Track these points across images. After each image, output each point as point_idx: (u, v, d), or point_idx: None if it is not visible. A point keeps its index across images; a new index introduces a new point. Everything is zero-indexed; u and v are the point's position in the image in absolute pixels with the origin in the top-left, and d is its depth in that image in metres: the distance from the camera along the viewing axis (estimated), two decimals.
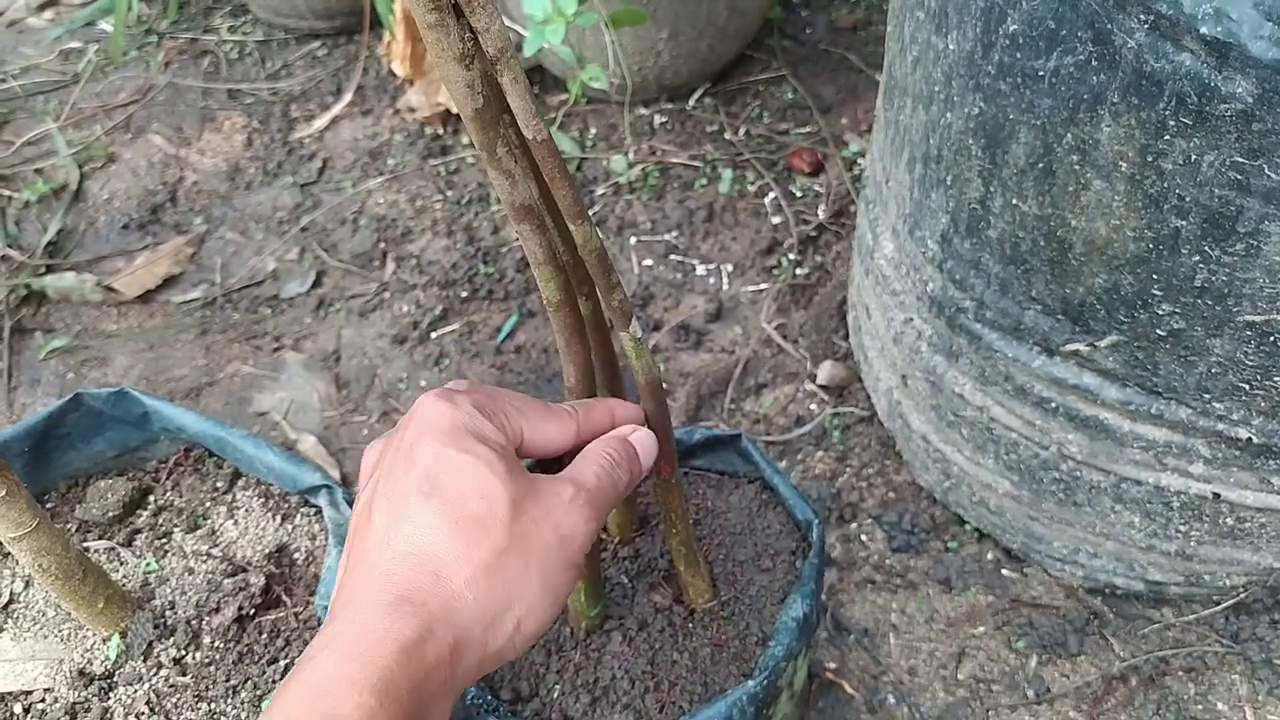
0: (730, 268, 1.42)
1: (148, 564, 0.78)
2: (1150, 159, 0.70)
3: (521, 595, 0.48)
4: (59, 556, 0.67)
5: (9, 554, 0.80)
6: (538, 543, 0.49)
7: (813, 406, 1.25)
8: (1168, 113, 0.67)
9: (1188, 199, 0.70)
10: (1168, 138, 0.68)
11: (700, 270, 1.43)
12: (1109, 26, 0.67)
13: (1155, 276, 0.75)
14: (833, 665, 1.03)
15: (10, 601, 0.77)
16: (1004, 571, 1.09)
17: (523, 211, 0.54)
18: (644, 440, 0.60)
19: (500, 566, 0.47)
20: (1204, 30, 0.62)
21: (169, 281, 1.50)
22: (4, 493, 0.64)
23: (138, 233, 1.57)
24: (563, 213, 0.54)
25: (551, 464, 0.59)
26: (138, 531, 0.80)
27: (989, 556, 1.10)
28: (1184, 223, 0.71)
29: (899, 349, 1.07)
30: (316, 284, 1.47)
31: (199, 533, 0.80)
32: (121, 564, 0.78)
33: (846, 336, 1.30)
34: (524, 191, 0.53)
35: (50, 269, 1.52)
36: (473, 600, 0.46)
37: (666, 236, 1.47)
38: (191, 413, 0.82)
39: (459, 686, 0.46)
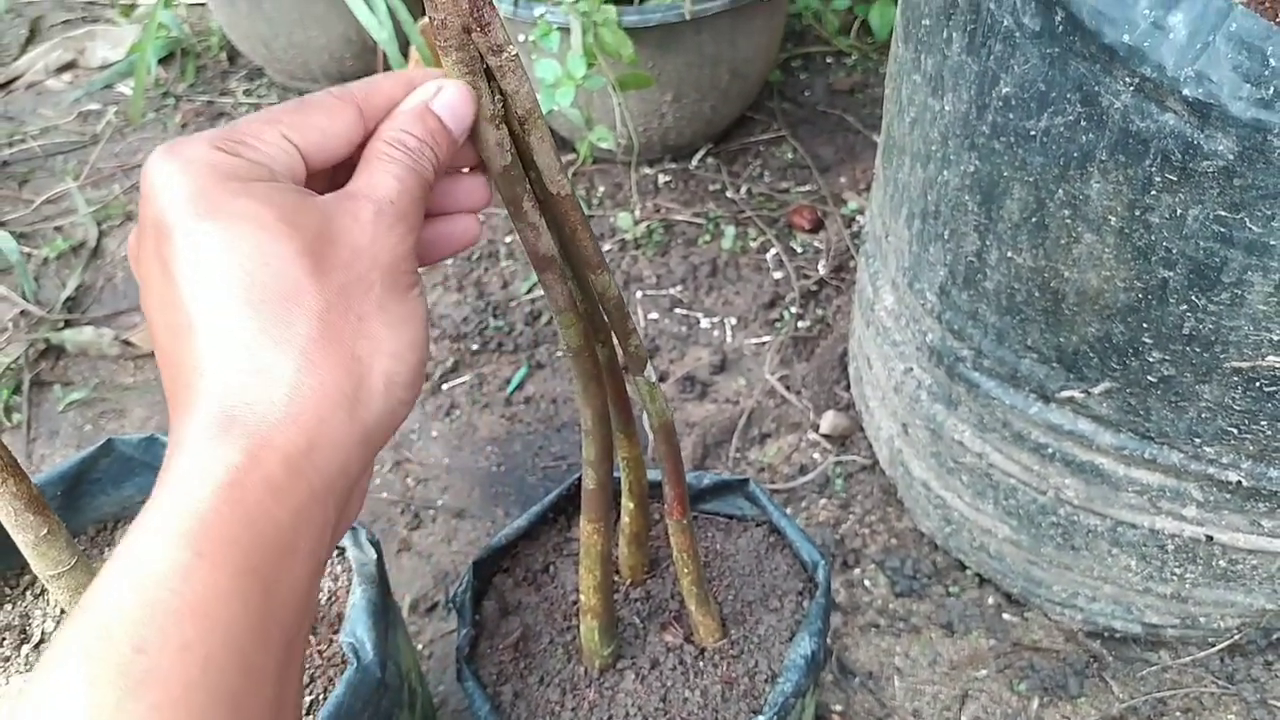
0: (734, 321, 1.46)
1: None
2: (1138, 213, 0.73)
3: (375, 350, 0.40)
4: None
5: (41, 594, 0.82)
6: (359, 287, 0.40)
7: (816, 455, 1.28)
8: (1153, 169, 0.70)
9: (1174, 251, 0.73)
10: (1154, 193, 0.71)
11: (705, 323, 1.46)
12: (1096, 89, 0.71)
13: (1145, 325, 0.79)
14: (839, 708, 1.05)
15: (42, 640, 0.80)
16: (1005, 615, 1.11)
17: (545, 261, 0.56)
18: (451, 99, 0.45)
19: (331, 333, 0.38)
20: (1186, 92, 0.66)
21: None
22: (45, 531, 0.66)
23: None
24: (584, 263, 0.58)
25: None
26: None
27: (990, 601, 1.12)
28: (1171, 273, 0.75)
29: (899, 398, 1.10)
30: None
31: None
32: None
33: (848, 387, 1.33)
34: (547, 243, 0.56)
35: (69, 324, 1.55)
36: (318, 385, 0.38)
37: (671, 290, 1.51)
38: None
39: (340, 483, 0.39)
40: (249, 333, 0.37)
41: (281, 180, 0.40)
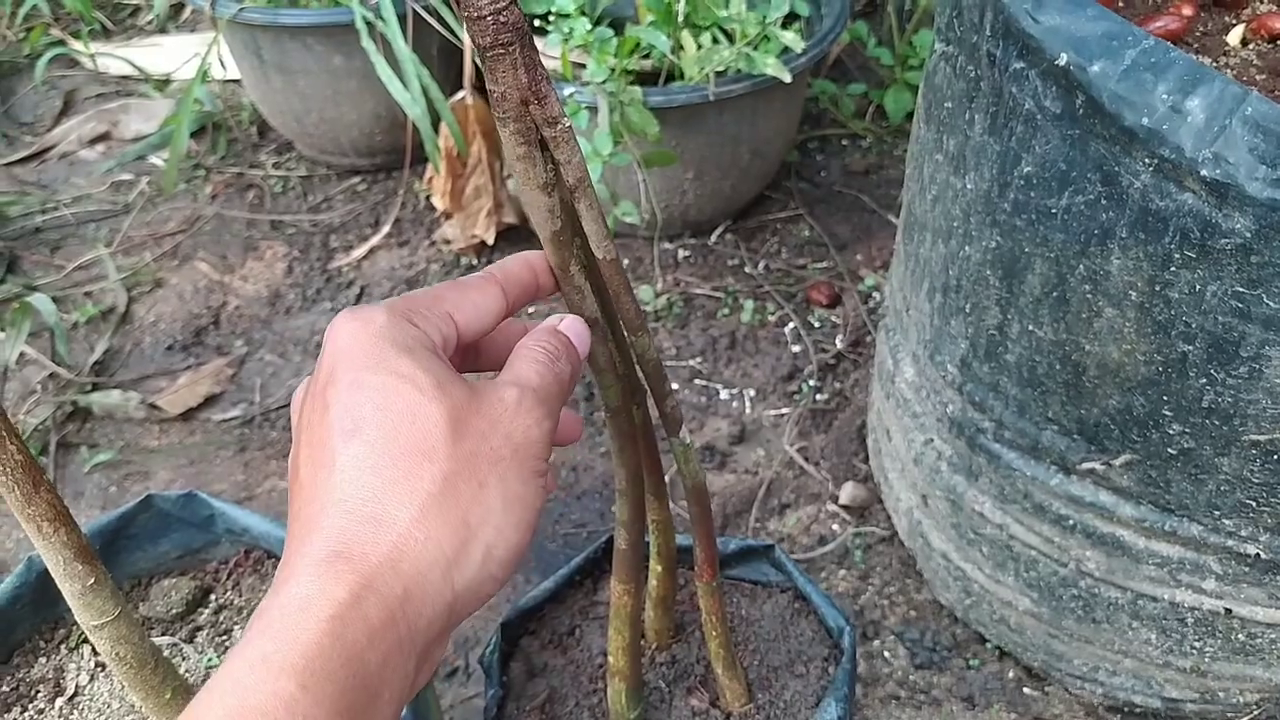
0: (753, 393, 1.48)
1: (209, 659, 0.81)
2: (1158, 289, 0.76)
3: (484, 519, 0.42)
4: (135, 646, 0.71)
5: (75, 647, 0.83)
6: (489, 458, 0.43)
7: (835, 526, 1.29)
8: (1172, 246, 0.73)
9: (1194, 326, 0.75)
10: (1173, 269, 0.74)
11: (724, 395, 1.48)
12: (1116, 169, 0.73)
13: (1165, 398, 0.81)
14: None
15: (76, 694, 0.80)
16: (1025, 690, 1.11)
17: (589, 323, 0.58)
18: (574, 326, 0.54)
19: (450, 494, 0.41)
20: (1204, 172, 0.69)
21: (210, 400, 1.56)
22: (92, 581, 0.68)
23: (181, 354, 1.64)
24: (625, 325, 0.60)
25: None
26: (199, 628, 0.84)
27: (1010, 675, 1.13)
28: (1191, 348, 0.77)
29: (919, 469, 1.11)
30: None
31: None
32: (184, 659, 0.82)
33: (866, 459, 1.35)
34: (591, 305, 0.58)
35: (96, 387, 1.58)
36: (424, 539, 0.40)
37: (691, 362, 1.53)
38: (256, 514, 0.86)
39: (424, 640, 0.40)
40: (381, 480, 0.40)
41: (439, 351, 0.46)
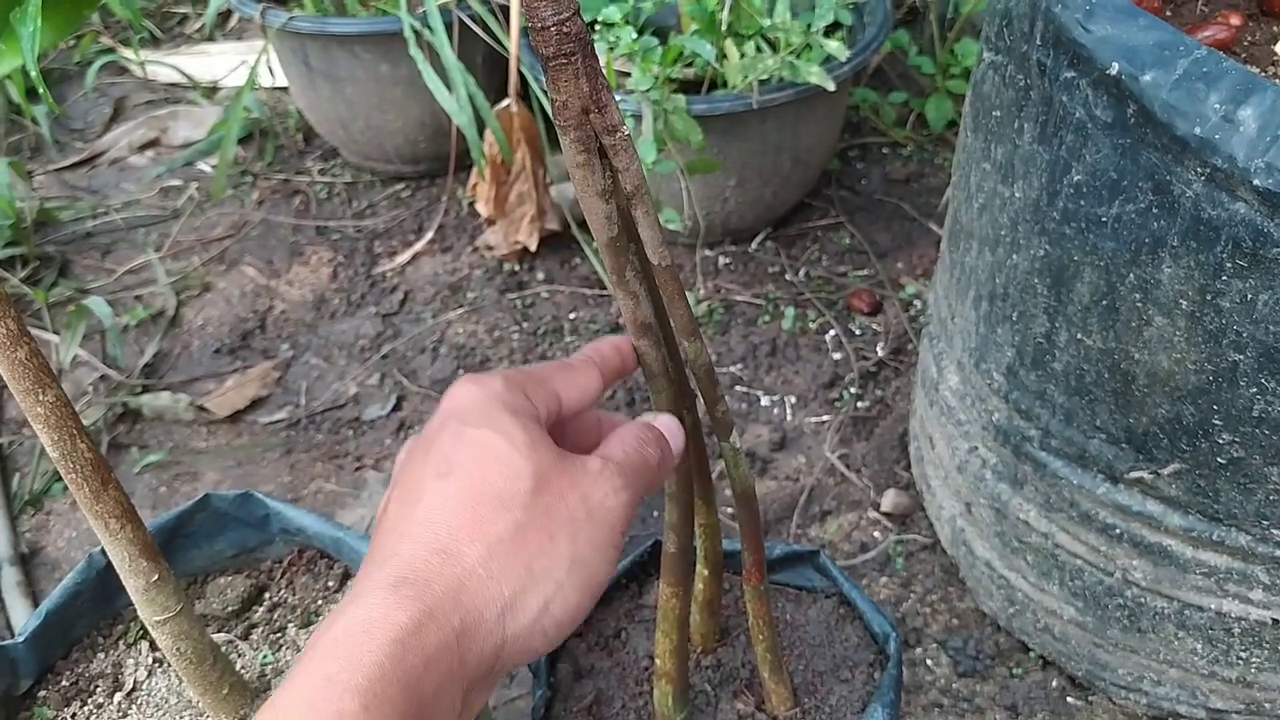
0: (793, 399, 1.49)
1: (264, 656, 0.83)
2: (1209, 298, 0.76)
3: (547, 572, 0.44)
4: (195, 642, 0.73)
5: (134, 643, 0.85)
6: (563, 516, 0.45)
7: (876, 534, 1.29)
8: (1224, 256, 0.73)
9: (1245, 335, 0.75)
10: (1225, 278, 0.74)
11: (765, 401, 1.49)
12: (1168, 178, 0.74)
13: (1215, 407, 0.81)
14: None
15: (134, 689, 0.82)
16: (1069, 699, 1.11)
17: (643, 329, 0.59)
18: (667, 423, 0.57)
19: (519, 541, 0.44)
20: (1257, 182, 0.69)
21: (257, 403, 1.58)
22: (156, 577, 0.69)
23: (229, 357, 1.66)
24: (678, 330, 0.61)
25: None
26: (254, 626, 0.86)
27: (1054, 684, 1.12)
28: (1241, 357, 0.77)
29: (963, 477, 1.11)
30: (397, 408, 1.55)
31: (312, 628, 0.85)
32: (239, 655, 0.83)
33: (908, 466, 1.35)
34: (645, 311, 0.59)
35: (146, 389, 1.60)
36: (485, 577, 0.42)
37: (732, 369, 1.54)
38: (311, 514, 0.88)
39: (472, 676, 0.42)
40: (458, 520, 0.43)
41: (541, 421, 0.50)
